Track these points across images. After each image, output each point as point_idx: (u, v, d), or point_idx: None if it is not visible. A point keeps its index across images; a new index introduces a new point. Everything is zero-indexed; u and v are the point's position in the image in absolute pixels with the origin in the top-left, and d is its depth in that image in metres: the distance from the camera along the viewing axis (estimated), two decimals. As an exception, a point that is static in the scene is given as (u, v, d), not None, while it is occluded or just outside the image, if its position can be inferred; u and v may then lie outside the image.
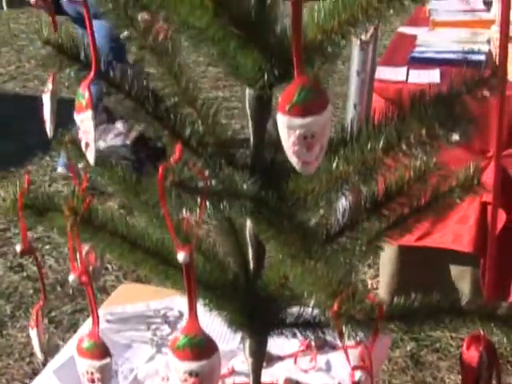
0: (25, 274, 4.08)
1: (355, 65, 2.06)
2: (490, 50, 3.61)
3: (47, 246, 4.29)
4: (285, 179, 1.20)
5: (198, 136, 1.25)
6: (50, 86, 1.22)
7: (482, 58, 3.53)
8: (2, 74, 7.57)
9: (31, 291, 3.93)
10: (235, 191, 1.10)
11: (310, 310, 1.37)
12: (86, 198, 1.10)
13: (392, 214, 1.29)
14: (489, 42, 3.69)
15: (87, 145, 1.05)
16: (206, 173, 0.96)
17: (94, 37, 1.04)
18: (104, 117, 4.71)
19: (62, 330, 3.63)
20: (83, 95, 1.03)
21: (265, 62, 1.11)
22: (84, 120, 1.04)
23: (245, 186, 1.12)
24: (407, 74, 3.36)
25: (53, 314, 3.73)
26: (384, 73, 3.29)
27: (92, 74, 1.05)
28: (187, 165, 0.94)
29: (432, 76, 3.37)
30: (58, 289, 3.94)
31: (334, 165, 1.13)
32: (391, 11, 1.08)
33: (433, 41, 3.73)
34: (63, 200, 1.19)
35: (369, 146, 1.08)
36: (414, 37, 3.81)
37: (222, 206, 1.06)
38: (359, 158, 1.09)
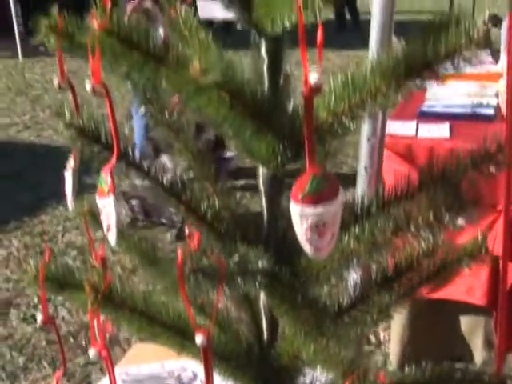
0: (38, 325, 4.10)
1: (366, 130, 2.12)
2: (498, 104, 3.66)
3: (60, 297, 4.33)
4: (297, 255, 1.24)
5: (214, 211, 1.29)
6: (71, 162, 1.27)
7: (491, 112, 3.58)
8: (17, 124, 7.69)
9: (44, 343, 3.95)
10: (250, 269, 1.14)
11: (322, 379, 1.40)
12: (106, 276, 1.13)
13: (402, 288, 1.32)
14: (497, 95, 3.75)
15: (109, 227, 1.10)
16: (222, 257, 1.00)
17: (115, 122, 1.09)
18: (150, 150, 4.75)
19: (74, 382, 3.64)
20: (105, 181, 1.08)
21: (278, 145, 1.15)
22: (106, 205, 1.09)
23: (259, 264, 1.16)
24: (417, 129, 3.41)
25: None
26: (394, 127, 3.35)
27: (114, 159, 1.09)
28: (205, 252, 0.98)
29: (441, 130, 3.42)
30: (71, 340, 3.96)
31: (345, 243, 1.17)
32: (399, 97, 1.13)
33: (442, 94, 3.79)
34: (84, 276, 1.23)
35: (379, 226, 1.12)
36: (424, 90, 3.87)
37: (237, 285, 1.10)
38: (369, 238, 1.13)
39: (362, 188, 2.16)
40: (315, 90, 0.92)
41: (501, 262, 3.08)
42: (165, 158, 4.88)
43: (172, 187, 1.27)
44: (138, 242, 1.47)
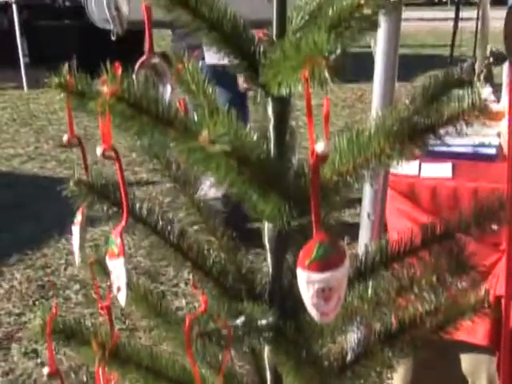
0: (39, 360, 4.09)
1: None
2: (500, 144, 3.68)
3: (62, 332, 4.32)
4: (302, 311, 1.25)
5: (220, 266, 1.31)
6: (79, 217, 1.29)
7: (493, 151, 3.60)
8: (21, 155, 7.72)
9: (45, 378, 3.93)
10: (256, 326, 1.15)
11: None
12: (113, 333, 1.15)
13: (405, 344, 1.34)
14: (499, 135, 3.77)
15: (119, 289, 1.11)
16: (228, 315, 1.01)
17: (125, 185, 1.11)
18: None
19: (75, 420, 3.64)
20: (115, 243, 1.10)
21: (284, 204, 1.17)
22: (116, 267, 1.11)
23: (264, 321, 1.18)
24: (420, 168, 3.43)
25: (67, 401, 3.73)
26: (397, 166, 3.36)
27: (123, 222, 1.11)
28: (212, 316, 1.00)
29: (444, 170, 3.44)
30: (72, 376, 3.94)
31: (349, 300, 1.19)
32: (403, 158, 1.15)
33: (444, 133, 3.80)
34: (91, 329, 1.25)
35: (382, 286, 1.14)
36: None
37: (243, 344, 1.11)
38: (373, 297, 1.15)
39: (365, 235, 2.17)
40: (321, 159, 0.94)
41: (503, 301, 3.08)
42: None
43: (179, 243, 1.29)
44: (144, 294, 1.48)
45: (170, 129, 1.04)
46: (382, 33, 2.18)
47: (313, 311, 0.99)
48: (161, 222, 1.28)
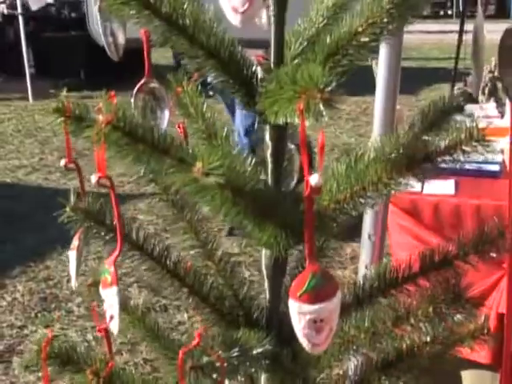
0: (40, 373, 4.06)
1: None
2: (504, 160, 3.67)
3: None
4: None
5: (217, 292, 1.30)
6: (75, 242, 1.28)
7: (497, 168, 3.59)
8: (26, 166, 7.73)
9: (42, 403, 3.91)
10: (251, 356, 1.14)
11: None
12: (108, 362, 1.14)
13: (402, 373, 1.32)
14: (502, 151, 3.76)
15: (112, 317, 1.11)
16: (223, 356, 1.00)
17: (119, 214, 1.11)
18: None
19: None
20: (109, 271, 1.09)
21: (280, 233, 1.17)
22: (109, 296, 1.10)
23: (260, 349, 1.17)
24: (422, 185, 3.42)
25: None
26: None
27: (117, 251, 1.11)
28: (206, 349, 0.99)
29: (447, 187, 3.43)
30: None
31: (346, 328, 1.18)
32: (400, 187, 1.14)
33: (447, 150, 3.79)
34: (86, 358, 1.24)
35: (379, 317, 1.13)
36: (429, 145, 3.88)
37: (238, 373, 1.10)
38: (369, 327, 1.14)
39: (366, 256, 2.17)
40: (315, 191, 0.94)
41: (505, 319, 3.06)
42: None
43: (175, 269, 1.28)
44: (141, 316, 1.48)
45: (166, 157, 1.04)
46: (384, 47, 2.17)
47: (304, 342, 0.99)
48: (157, 248, 1.28)
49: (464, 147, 1.08)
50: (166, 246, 1.28)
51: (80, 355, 1.31)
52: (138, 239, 1.27)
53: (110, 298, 1.10)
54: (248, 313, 1.34)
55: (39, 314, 4.66)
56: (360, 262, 2.22)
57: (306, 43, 1.19)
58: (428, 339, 1.25)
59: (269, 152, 1.24)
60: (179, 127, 1.47)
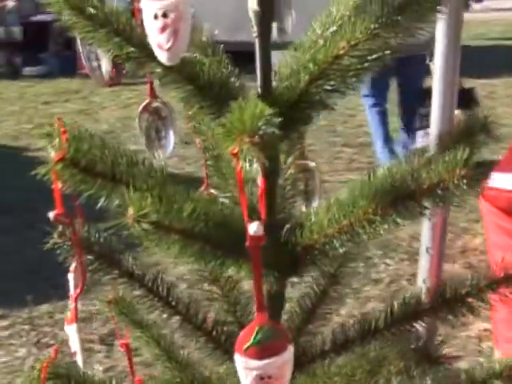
0: (139, 359, 4.10)
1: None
2: None
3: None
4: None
5: (218, 317, 1.26)
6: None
7: None
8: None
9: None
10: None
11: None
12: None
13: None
14: None
15: (75, 353, 1.09)
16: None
17: (81, 254, 1.07)
18: None
19: None
20: (70, 308, 1.07)
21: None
22: (70, 332, 1.08)
23: None
24: (523, 183, 3.21)
25: None
26: (498, 180, 3.15)
27: (79, 288, 1.08)
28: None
29: (548, 185, 3.20)
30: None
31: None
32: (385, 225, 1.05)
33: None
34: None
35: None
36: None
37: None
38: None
39: (423, 270, 2.04)
40: (255, 240, 0.87)
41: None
42: None
43: (168, 295, 1.25)
44: (157, 335, 1.45)
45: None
46: (441, 31, 2.01)
47: None
48: (147, 277, 1.24)
49: (450, 185, 0.96)
50: (158, 271, 1.24)
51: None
52: (127, 266, 1.24)
53: (71, 335, 1.08)
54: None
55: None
56: (418, 277, 2.10)
57: (294, 67, 1.11)
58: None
59: (259, 179, 1.17)
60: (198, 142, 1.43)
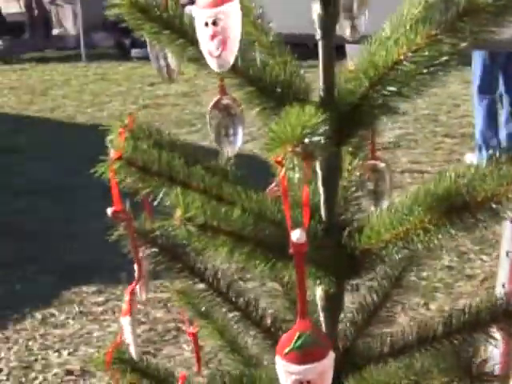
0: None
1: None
2: None
3: None
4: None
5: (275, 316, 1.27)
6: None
7: None
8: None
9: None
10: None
11: None
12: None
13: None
14: None
15: (128, 344, 1.12)
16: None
17: (137, 248, 1.10)
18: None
19: None
20: (125, 300, 1.10)
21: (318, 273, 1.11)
22: (124, 324, 1.11)
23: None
24: None
25: None
26: None
27: (136, 281, 1.11)
28: None
29: None
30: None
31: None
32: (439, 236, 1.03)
33: None
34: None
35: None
36: None
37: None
38: None
39: (503, 275, 1.98)
40: (299, 247, 0.87)
41: None
42: None
43: (227, 292, 1.27)
44: (221, 326, 1.48)
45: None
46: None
47: None
48: (208, 272, 1.27)
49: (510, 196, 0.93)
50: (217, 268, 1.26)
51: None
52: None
53: (125, 327, 1.11)
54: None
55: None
56: (497, 281, 2.04)
57: (357, 71, 1.10)
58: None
59: (320, 181, 1.17)
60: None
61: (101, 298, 4.26)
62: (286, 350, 0.91)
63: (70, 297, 4.23)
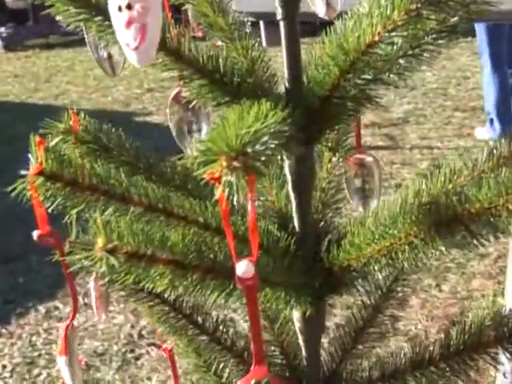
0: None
1: None
2: None
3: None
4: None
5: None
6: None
7: None
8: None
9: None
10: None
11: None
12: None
13: None
14: None
15: None
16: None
17: (72, 283, 0.94)
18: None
19: None
20: (60, 338, 0.94)
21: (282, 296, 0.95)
22: (60, 364, 0.95)
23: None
24: None
25: None
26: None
27: (70, 318, 0.95)
28: None
29: None
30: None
31: None
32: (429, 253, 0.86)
33: None
34: None
35: None
36: None
37: None
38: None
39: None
40: (245, 281, 0.70)
41: None
42: None
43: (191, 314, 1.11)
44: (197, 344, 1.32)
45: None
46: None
47: None
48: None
49: (504, 206, 0.76)
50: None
51: None
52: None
53: (62, 367, 0.95)
54: (289, 363, 1.14)
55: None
56: (506, 288, 1.87)
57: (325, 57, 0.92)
58: None
59: (290, 187, 1.00)
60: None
61: (106, 290, 4.17)
62: (241, 399, 0.75)
63: (74, 289, 4.14)
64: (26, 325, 3.80)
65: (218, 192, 0.65)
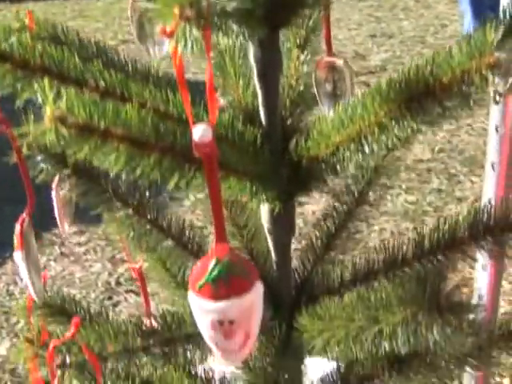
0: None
1: (494, 118, 1.72)
2: None
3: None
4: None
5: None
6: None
7: None
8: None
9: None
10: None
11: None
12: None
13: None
14: None
15: (26, 284, 0.92)
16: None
17: (26, 171, 0.89)
18: None
19: None
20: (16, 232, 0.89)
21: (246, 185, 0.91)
22: (17, 259, 0.90)
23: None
24: None
25: None
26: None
27: (27, 211, 0.90)
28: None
29: None
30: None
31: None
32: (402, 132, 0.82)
33: None
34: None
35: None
36: None
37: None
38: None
39: (489, 189, 1.77)
40: (202, 147, 0.66)
41: None
42: None
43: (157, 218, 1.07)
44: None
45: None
46: None
47: (211, 345, 0.73)
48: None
49: (475, 77, 0.72)
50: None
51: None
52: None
53: (19, 263, 0.91)
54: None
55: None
56: (482, 197, 1.84)
57: None
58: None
59: (255, 76, 0.95)
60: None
61: (82, 239, 4.15)
62: (200, 283, 0.70)
63: (50, 238, 4.11)
64: (3, 274, 3.77)
65: (171, 45, 0.60)
